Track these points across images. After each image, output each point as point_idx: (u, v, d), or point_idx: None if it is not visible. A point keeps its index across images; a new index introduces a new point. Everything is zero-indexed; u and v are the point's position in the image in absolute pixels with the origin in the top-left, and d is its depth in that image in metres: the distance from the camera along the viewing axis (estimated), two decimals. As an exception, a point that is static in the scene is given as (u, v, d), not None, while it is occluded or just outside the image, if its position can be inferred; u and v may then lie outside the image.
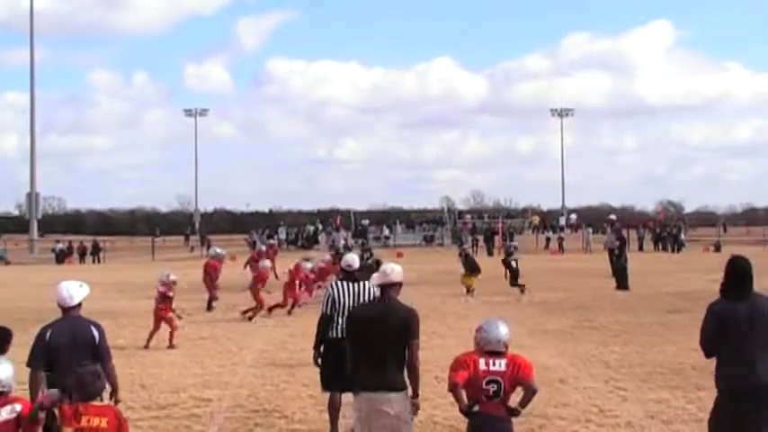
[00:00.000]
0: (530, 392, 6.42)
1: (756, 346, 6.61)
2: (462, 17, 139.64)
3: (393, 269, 7.16)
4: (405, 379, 6.72)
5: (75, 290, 7.28)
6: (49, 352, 6.97)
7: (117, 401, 7.25)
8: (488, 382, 6.31)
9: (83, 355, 6.90)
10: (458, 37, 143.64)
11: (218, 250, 24.99)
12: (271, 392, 11.51)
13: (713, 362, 7.00)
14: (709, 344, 6.87)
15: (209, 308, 21.69)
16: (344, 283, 9.00)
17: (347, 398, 8.96)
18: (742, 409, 6.53)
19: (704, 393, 10.93)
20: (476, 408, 6.32)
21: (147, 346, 15.57)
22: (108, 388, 6.74)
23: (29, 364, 7.00)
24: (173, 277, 16.58)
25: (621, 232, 28.26)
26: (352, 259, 9.70)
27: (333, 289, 9.05)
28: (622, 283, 25.74)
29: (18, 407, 5.67)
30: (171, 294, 16.48)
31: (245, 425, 9.81)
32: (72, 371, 6.68)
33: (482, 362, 6.38)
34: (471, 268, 25.12)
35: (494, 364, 6.36)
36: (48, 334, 7.09)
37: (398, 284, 7.12)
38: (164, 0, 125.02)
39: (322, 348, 8.92)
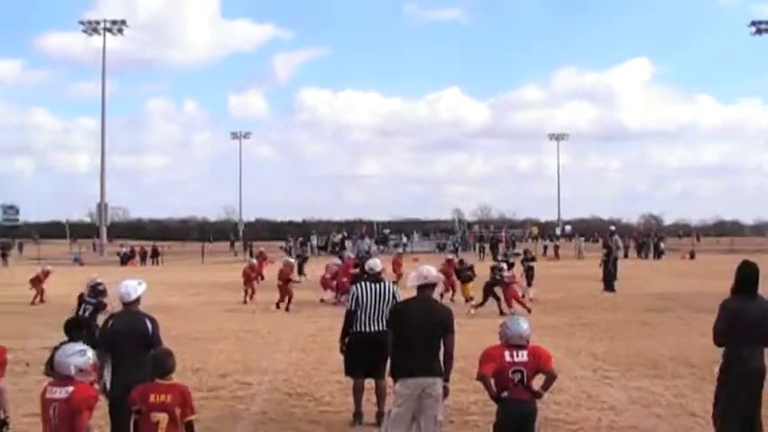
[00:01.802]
0: (550, 378, 6.53)
1: (760, 339, 6.82)
2: (468, 53, 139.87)
3: (430, 271, 7.24)
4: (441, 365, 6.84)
5: (133, 288, 7.32)
6: (109, 338, 7.05)
7: None
8: (513, 372, 6.36)
9: (137, 343, 6.94)
10: (464, 70, 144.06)
11: (290, 259, 25.70)
12: (303, 378, 11.52)
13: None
14: (722, 335, 6.96)
15: (287, 309, 21.31)
16: (367, 284, 9.00)
17: (369, 383, 8.99)
18: (750, 387, 6.76)
19: (680, 381, 10.92)
20: (504, 394, 6.38)
21: None
22: None
23: (94, 347, 7.08)
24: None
25: (608, 242, 28.07)
26: (375, 263, 9.70)
27: (357, 288, 9.07)
28: (608, 285, 25.74)
29: (70, 389, 5.65)
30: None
31: (281, 406, 9.83)
32: (127, 354, 6.79)
33: (507, 354, 6.43)
34: (464, 278, 22.68)
35: (517, 355, 6.42)
36: (110, 323, 7.21)
37: (434, 284, 7.22)
38: (210, 39, 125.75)
39: (347, 339, 8.95)
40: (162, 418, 5.81)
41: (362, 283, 9.11)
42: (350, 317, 8.85)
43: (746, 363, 6.77)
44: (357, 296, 8.85)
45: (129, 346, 6.92)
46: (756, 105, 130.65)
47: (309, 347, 14.46)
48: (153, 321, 7.20)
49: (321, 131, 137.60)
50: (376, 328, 8.66)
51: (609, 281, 25.95)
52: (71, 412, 5.52)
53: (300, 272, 32.43)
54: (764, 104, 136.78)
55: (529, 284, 23.74)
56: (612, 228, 31.37)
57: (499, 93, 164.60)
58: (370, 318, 8.74)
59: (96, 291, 13.60)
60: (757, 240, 70.99)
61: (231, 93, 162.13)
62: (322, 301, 23.43)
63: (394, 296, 8.77)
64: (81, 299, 13.75)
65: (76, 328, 7.47)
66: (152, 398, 5.86)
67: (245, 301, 23.34)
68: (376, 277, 9.23)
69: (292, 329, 17.11)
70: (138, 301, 7.34)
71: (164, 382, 5.99)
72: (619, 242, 30.02)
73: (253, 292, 24.00)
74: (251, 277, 24.51)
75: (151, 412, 5.84)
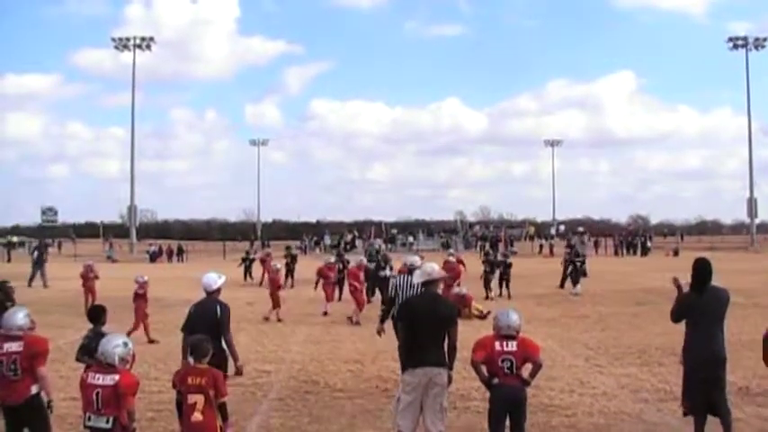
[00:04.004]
0: (536, 367, 6.52)
1: (715, 324, 6.91)
2: (466, 67, 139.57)
3: (434, 269, 7.10)
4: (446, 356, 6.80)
5: (213, 280, 7.86)
6: (190, 322, 7.58)
7: (237, 367, 7.97)
8: (503, 360, 6.36)
9: (207, 326, 7.31)
10: (463, 82, 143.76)
11: (363, 259, 21.16)
12: (317, 367, 11.51)
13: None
14: (677, 316, 7.12)
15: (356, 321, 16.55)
16: (405, 276, 9.20)
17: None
18: (709, 371, 6.83)
19: (664, 369, 10.87)
20: (495, 380, 6.39)
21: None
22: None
23: (182, 330, 7.70)
24: (146, 278, 15.20)
25: (570, 242, 27.92)
26: (414, 260, 9.76)
27: (397, 280, 9.41)
28: (573, 282, 24.05)
29: (116, 377, 5.68)
30: (142, 293, 14.83)
31: (297, 392, 9.83)
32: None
33: (497, 343, 6.43)
34: None
35: (507, 345, 6.41)
36: (192, 309, 7.75)
37: (439, 280, 7.12)
38: (228, 53, 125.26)
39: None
40: (198, 399, 5.90)
41: (401, 276, 9.37)
42: (390, 302, 9.00)
43: (704, 348, 6.83)
44: (396, 285, 9.13)
45: (202, 329, 7.15)
46: (729, 115, 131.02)
47: (323, 339, 14.46)
48: (223, 307, 7.63)
49: (331, 139, 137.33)
50: None
51: (574, 277, 24.18)
52: (118, 396, 5.57)
53: (248, 273, 31.19)
54: (735, 115, 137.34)
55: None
56: (581, 228, 31.24)
57: (496, 102, 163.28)
58: None
59: None
60: (736, 239, 70.84)
61: (248, 103, 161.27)
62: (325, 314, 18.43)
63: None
64: None
65: (99, 316, 7.53)
66: (189, 380, 5.99)
67: (278, 319, 17.47)
68: (413, 271, 9.31)
69: (307, 323, 17.10)
70: (218, 291, 7.86)
71: (200, 366, 6.09)
72: (585, 239, 29.87)
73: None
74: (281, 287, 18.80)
75: (189, 393, 5.95)
